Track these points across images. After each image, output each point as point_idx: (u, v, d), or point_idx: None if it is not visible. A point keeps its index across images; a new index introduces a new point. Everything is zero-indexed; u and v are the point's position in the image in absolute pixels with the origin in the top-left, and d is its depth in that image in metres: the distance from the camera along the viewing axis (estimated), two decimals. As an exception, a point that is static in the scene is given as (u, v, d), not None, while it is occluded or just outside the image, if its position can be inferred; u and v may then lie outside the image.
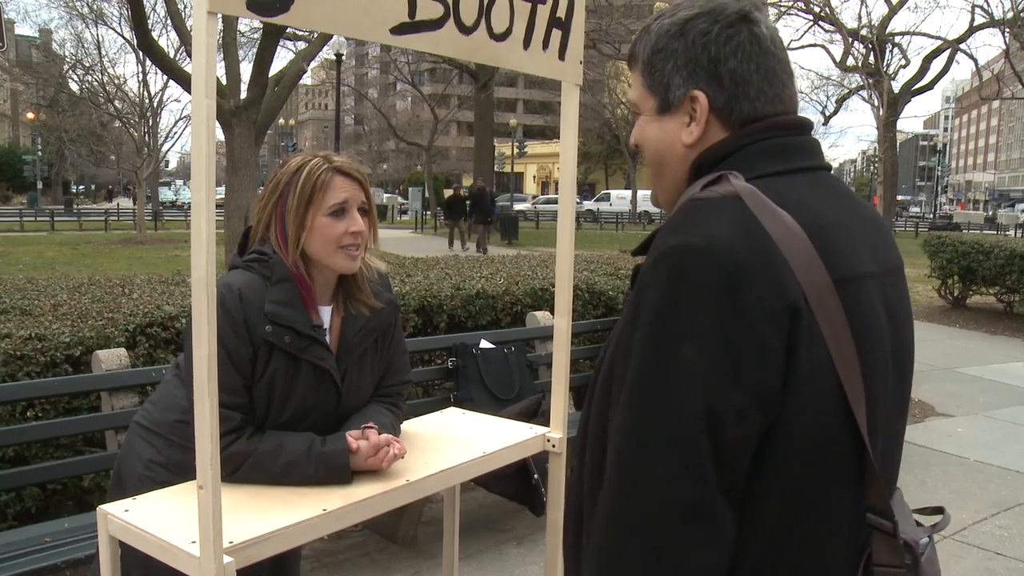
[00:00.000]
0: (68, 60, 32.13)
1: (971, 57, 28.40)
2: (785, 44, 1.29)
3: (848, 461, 1.15)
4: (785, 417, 1.09)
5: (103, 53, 29.25)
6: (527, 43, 2.04)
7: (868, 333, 1.16)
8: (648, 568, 1.09)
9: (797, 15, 26.24)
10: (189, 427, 1.61)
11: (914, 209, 69.13)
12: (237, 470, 2.01)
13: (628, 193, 47.85)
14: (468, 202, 25.78)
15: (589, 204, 47.31)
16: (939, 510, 1.33)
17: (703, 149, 1.26)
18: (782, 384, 1.08)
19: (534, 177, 61.23)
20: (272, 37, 12.13)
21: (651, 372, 1.10)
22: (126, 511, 1.87)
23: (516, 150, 50.48)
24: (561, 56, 2.14)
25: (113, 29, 28.21)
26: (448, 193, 29.44)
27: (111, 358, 3.71)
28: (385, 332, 2.33)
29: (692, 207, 1.18)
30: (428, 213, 39.07)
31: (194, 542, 1.64)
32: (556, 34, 2.11)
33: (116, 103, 29.18)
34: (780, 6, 25.98)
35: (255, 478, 2.02)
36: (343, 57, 29.73)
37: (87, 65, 29.67)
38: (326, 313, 2.22)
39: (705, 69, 1.23)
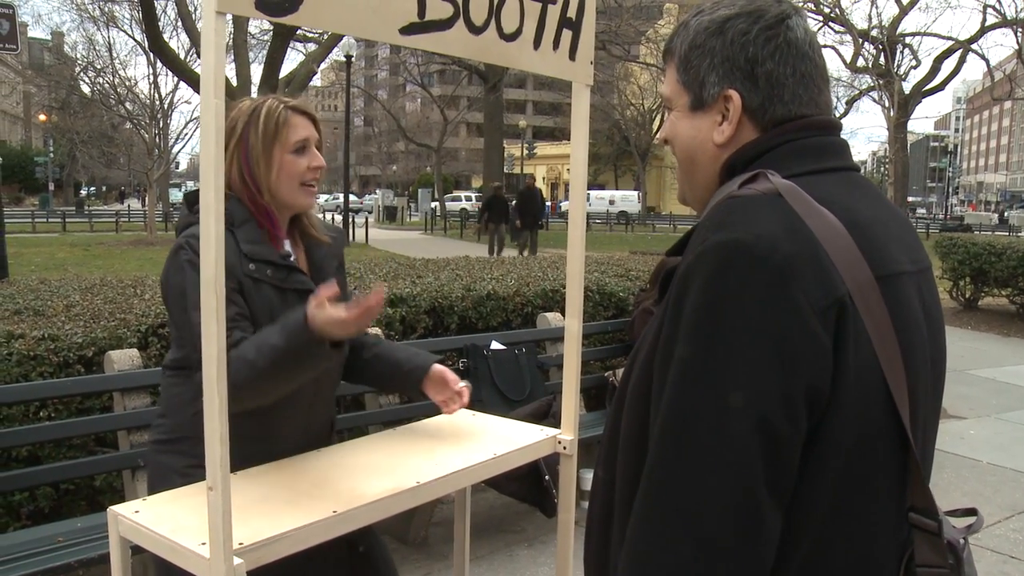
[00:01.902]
0: (80, 62, 32.34)
1: (983, 57, 28.33)
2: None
3: (893, 459, 1.14)
4: (832, 415, 1.08)
5: (114, 55, 29.45)
6: (537, 43, 2.03)
7: (909, 330, 1.16)
8: (692, 568, 1.06)
9: (807, 16, 26.11)
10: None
11: (920, 211, 68.75)
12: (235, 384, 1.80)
13: (607, 193, 47.30)
14: (513, 202, 23.13)
15: (566, 204, 46.75)
16: (971, 511, 1.31)
17: (735, 149, 1.26)
18: (831, 381, 1.07)
19: (543, 178, 61.21)
20: (282, 39, 12.17)
21: (698, 370, 1.08)
22: (136, 512, 1.87)
23: (526, 151, 50.54)
24: (572, 56, 2.14)
25: (124, 31, 28.47)
26: (453, 193, 28.28)
27: (123, 358, 3.72)
28: (341, 260, 2.46)
29: (733, 204, 1.16)
30: (438, 215, 39.11)
31: (204, 543, 1.64)
32: (567, 34, 2.10)
33: (127, 105, 29.33)
34: (791, 7, 25.86)
35: (244, 377, 1.91)
36: (353, 58, 29.79)
37: (98, 67, 29.87)
38: (287, 247, 2.28)
39: (741, 69, 1.24)
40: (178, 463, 2.20)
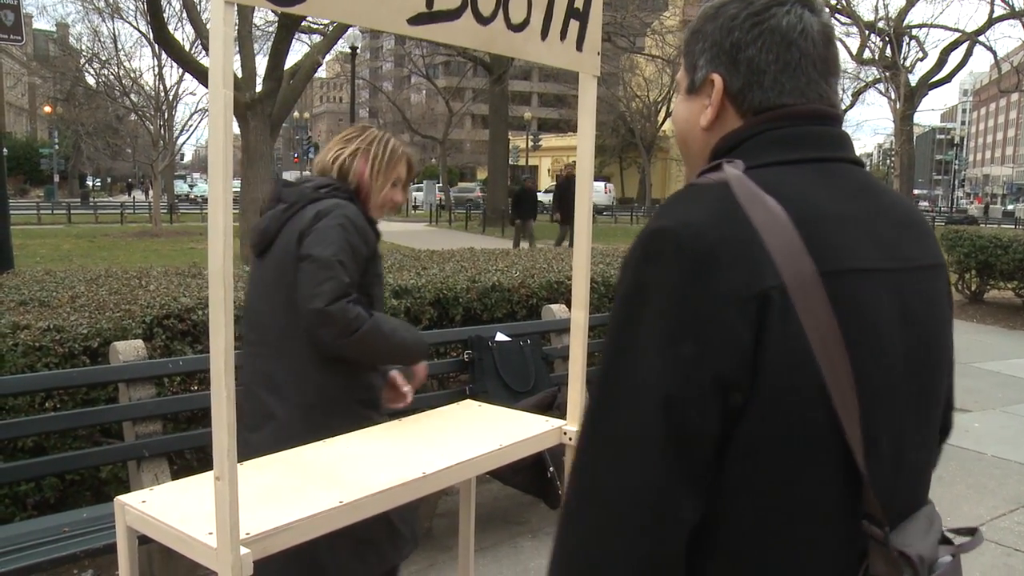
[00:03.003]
0: (85, 54, 32.33)
1: (990, 49, 28.21)
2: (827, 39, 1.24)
3: (839, 461, 1.09)
4: (750, 410, 1.06)
5: (119, 47, 29.42)
6: (544, 34, 2.03)
7: (865, 328, 1.11)
8: (597, 548, 1.09)
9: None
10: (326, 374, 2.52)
11: (923, 204, 68.38)
12: (357, 331, 2.43)
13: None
14: (551, 193, 22.04)
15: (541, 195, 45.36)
16: (972, 531, 1.26)
17: (720, 136, 1.25)
18: (750, 374, 1.06)
19: (548, 170, 61.03)
20: (287, 30, 12.15)
21: (616, 355, 1.12)
22: (144, 502, 1.87)
23: (531, 143, 50.44)
24: (579, 47, 2.13)
25: (129, 23, 28.37)
26: (456, 184, 28.04)
27: (128, 349, 3.72)
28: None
29: (679, 193, 1.19)
30: (443, 207, 39.07)
31: (211, 533, 1.64)
32: (574, 25, 2.10)
33: (132, 96, 29.31)
34: None
35: (371, 340, 2.47)
36: (358, 50, 29.75)
37: (103, 59, 29.84)
38: None
39: (727, 53, 1.23)
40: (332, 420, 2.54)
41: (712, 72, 1.24)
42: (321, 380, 2.54)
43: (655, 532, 1.07)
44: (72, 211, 33.69)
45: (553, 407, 4.02)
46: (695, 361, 1.05)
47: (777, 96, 1.21)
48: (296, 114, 56.99)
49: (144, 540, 1.93)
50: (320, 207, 2.56)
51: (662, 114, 42.81)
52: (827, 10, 1.27)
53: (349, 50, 28.46)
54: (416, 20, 1.73)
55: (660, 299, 1.08)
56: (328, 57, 22.35)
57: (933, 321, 1.23)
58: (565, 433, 2.40)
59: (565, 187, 20.86)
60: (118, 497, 1.90)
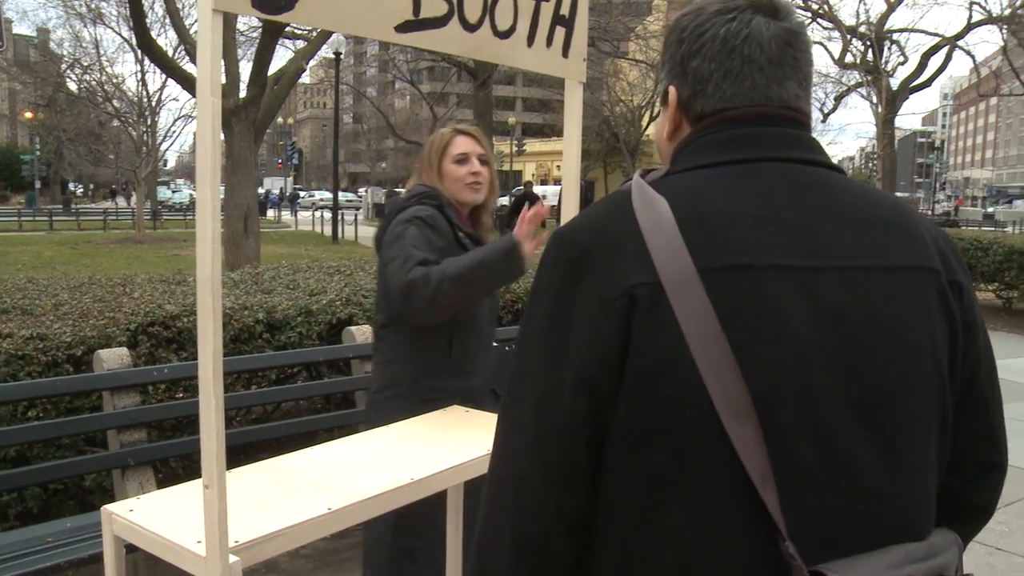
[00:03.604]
0: (66, 59, 32.05)
1: (969, 54, 28.45)
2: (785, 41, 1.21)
3: (736, 472, 1.04)
4: (629, 406, 1.07)
5: (101, 52, 29.24)
6: (531, 40, 2.04)
7: (758, 324, 1.06)
8: (489, 521, 1.19)
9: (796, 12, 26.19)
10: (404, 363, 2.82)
11: None
12: (433, 290, 2.59)
13: (550, 188, 46.56)
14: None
15: (503, 200, 44.58)
16: None
17: (676, 144, 1.27)
18: (617, 374, 1.07)
19: (533, 175, 61.11)
20: (271, 36, 12.12)
21: (515, 351, 1.20)
22: (131, 511, 1.86)
23: (515, 148, 50.45)
24: (565, 53, 2.14)
25: (111, 28, 28.22)
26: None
27: (113, 357, 3.71)
28: None
29: (596, 202, 1.24)
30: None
31: (200, 542, 1.64)
32: (560, 31, 2.11)
33: (114, 102, 29.16)
34: (778, 3, 25.93)
35: (453, 285, 2.62)
36: (342, 56, 29.73)
37: (85, 64, 29.63)
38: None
39: (679, 65, 1.24)
40: (395, 406, 2.78)
41: (668, 84, 1.27)
42: (391, 374, 2.87)
43: (522, 517, 1.14)
44: (54, 218, 33.50)
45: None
46: (562, 362, 1.10)
47: (717, 102, 1.21)
48: (280, 120, 56.81)
49: (130, 549, 1.92)
50: (398, 216, 2.84)
51: (646, 119, 42.84)
52: (794, 13, 1.24)
53: (333, 56, 28.42)
54: (403, 28, 1.74)
55: (541, 301, 1.16)
56: (312, 63, 22.31)
57: (884, 325, 1.12)
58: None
59: (583, 192, 20.23)
60: (105, 506, 1.89)
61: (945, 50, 27.34)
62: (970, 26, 26.31)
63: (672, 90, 1.26)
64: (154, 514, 1.85)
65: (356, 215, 34.48)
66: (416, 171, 3.09)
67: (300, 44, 15.90)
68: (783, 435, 1.05)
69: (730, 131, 1.20)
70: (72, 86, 32.80)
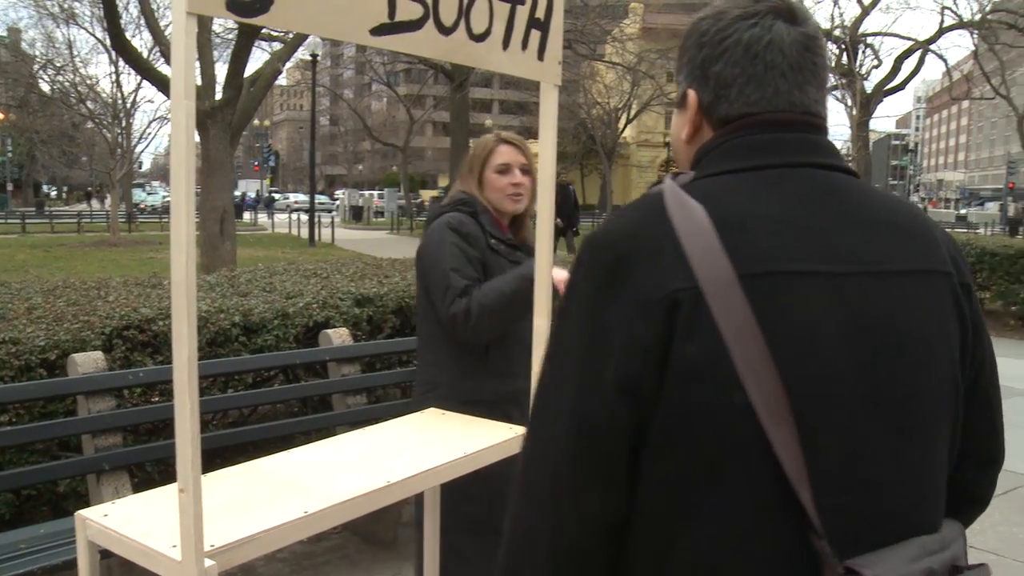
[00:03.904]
0: (38, 60, 31.74)
1: (941, 58, 28.90)
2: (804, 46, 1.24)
3: (766, 464, 1.07)
4: (669, 410, 1.08)
5: (75, 53, 28.98)
6: (506, 43, 2.04)
7: (792, 330, 1.09)
8: (523, 525, 1.20)
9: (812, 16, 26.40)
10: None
11: None
12: (472, 322, 2.75)
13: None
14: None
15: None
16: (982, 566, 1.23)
17: (697, 148, 1.28)
18: (657, 377, 1.08)
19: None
20: (247, 38, 12.05)
21: (548, 357, 1.20)
22: (105, 516, 1.85)
23: (492, 150, 50.31)
24: (540, 56, 2.15)
25: (85, 29, 27.97)
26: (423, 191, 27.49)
27: (87, 361, 3.68)
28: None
29: (626, 205, 1.25)
30: (405, 215, 38.97)
31: (175, 546, 1.63)
32: (535, 34, 2.12)
33: (88, 104, 28.89)
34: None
35: (489, 316, 2.76)
36: (318, 58, 29.62)
37: (58, 65, 29.36)
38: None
39: (699, 69, 1.26)
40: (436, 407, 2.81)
41: (688, 87, 1.28)
42: (431, 379, 3.00)
43: (559, 520, 1.15)
44: (27, 220, 33.16)
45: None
46: (602, 364, 1.10)
47: (741, 107, 1.23)
48: (256, 122, 56.51)
49: (105, 555, 1.91)
50: (435, 221, 2.95)
51: (622, 121, 43.01)
52: (811, 18, 1.26)
53: (310, 58, 28.31)
54: (378, 31, 1.74)
55: (579, 305, 1.16)
56: (289, 64, 22.20)
57: (907, 328, 1.16)
58: (529, 440, 2.41)
59: (560, 196, 19.10)
60: (79, 512, 1.88)
61: (918, 54, 27.67)
62: (942, 30, 26.63)
63: (692, 93, 1.27)
64: (129, 519, 1.83)
65: (333, 217, 34.36)
66: (460, 177, 3.13)
67: (277, 46, 15.82)
68: (814, 436, 1.08)
69: (755, 136, 1.22)
70: (45, 87, 32.49)
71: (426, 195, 60.82)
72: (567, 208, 19.94)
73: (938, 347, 1.19)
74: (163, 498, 1.92)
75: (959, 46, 50.47)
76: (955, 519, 1.27)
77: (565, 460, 1.13)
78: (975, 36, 26.90)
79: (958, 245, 1.29)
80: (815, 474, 1.07)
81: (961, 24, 26.43)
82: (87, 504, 3.39)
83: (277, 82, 19.11)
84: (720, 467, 1.09)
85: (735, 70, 1.22)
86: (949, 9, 26.93)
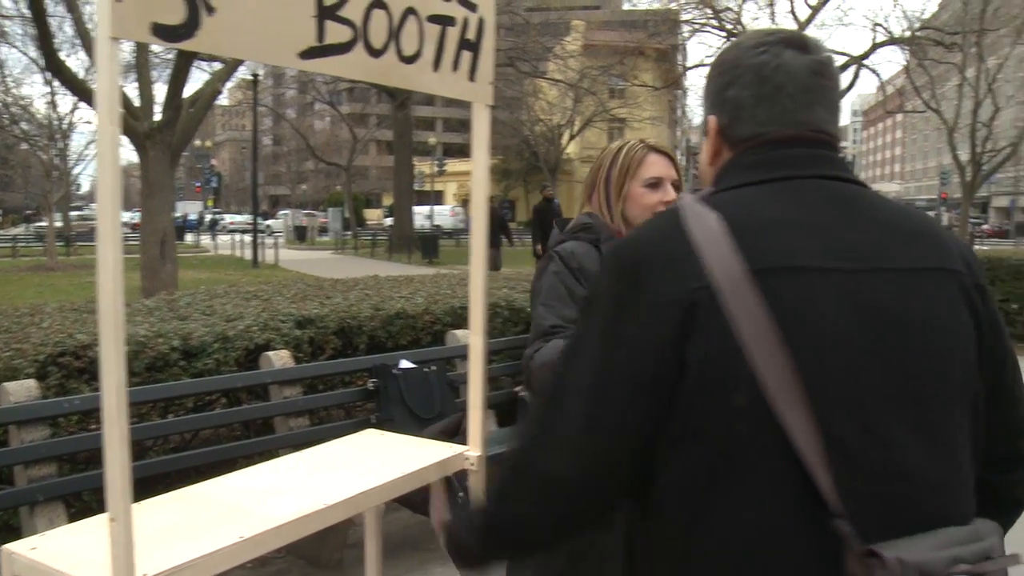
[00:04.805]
0: (-32, 81, 30.99)
1: (875, 73, 29.66)
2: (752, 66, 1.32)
3: (784, 452, 1.12)
4: (687, 403, 1.16)
5: (6, 73, 28.33)
6: (437, 65, 2.06)
7: (804, 322, 1.15)
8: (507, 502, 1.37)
9: (710, 32, 26.89)
10: None
11: None
12: (531, 368, 2.44)
13: (424, 209, 45.86)
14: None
15: (390, 221, 41.11)
16: (1016, 558, 1.23)
17: (717, 168, 1.38)
18: (675, 374, 1.15)
19: (454, 195, 60.99)
20: (185, 58, 11.92)
21: (568, 355, 1.29)
22: (33, 549, 1.81)
23: (435, 168, 50.44)
24: (471, 77, 2.17)
25: (16, 48, 27.40)
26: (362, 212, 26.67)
27: (20, 390, 3.60)
28: None
29: (648, 219, 1.37)
30: (349, 233, 38.72)
31: (106, 576, 1.60)
32: (466, 56, 2.14)
33: (22, 125, 28.27)
34: (693, 23, 26.63)
35: (548, 364, 2.35)
36: (260, 77, 29.39)
37: (-13, 86, 28.69)
38: None
39: (718, 95, 1.37)
40: None
41: (709, 114, 1.38)
42: None
43: (562, 504, 1.27)
44: (-42, 246, 32.25)
45: (459, 432, 4.02)
46: (620, 365, 1.19)
47: (753, 127, 1.33)
48: (198, 142, 55.83)
49: (36, 587, 1.87)
50: (552, 249, 2.62)
51: (565, 137, 43.26)
52: (823, 48, 1.35)
53: (251, 77, 28.08)
54: (308, 54, 1.74)
55: (601, 308, 1.25)
56: (230, 84, 21.99)
57: (916, 321, 1.21)
58: (467, 459, 2.42)
59: (544, 212, 17.68)
60: (4, 546, 1.84)
61: (853, 69, 28.28)
62: (875, 46, 27.27)
63: (712, 120, 1.38)
64: (59, 551, 1.80)
65: (276, 239, 34.00)
66: (584, 189, 2.72)
67: (216, 66, 15.66)
68: (831, 421, 1.13)
69: (766, 153, 1.31)
70: (-26, 108, 31.71)
71: (370, 215, 60.55)
72: (560, 221, 18.73)
73: (949, 340, 1.24)
74: (95, 528, 1.89)
75: (891, 61, 51.98)
76: (994, 521, 1.27)
77: (569, 454, 1.23)
78: (906, 52, 27.61)
79: (974, 253, 1.36)
80: (833, 459, 1.12)
81: (892, 40, 27.09)
82: (20, 537, 3.31)
83: (218, 102, 18.93)
84: (738, 455, 1.15)
85: (746, 92, 1.32)
86: (880, 26, 27.68)
